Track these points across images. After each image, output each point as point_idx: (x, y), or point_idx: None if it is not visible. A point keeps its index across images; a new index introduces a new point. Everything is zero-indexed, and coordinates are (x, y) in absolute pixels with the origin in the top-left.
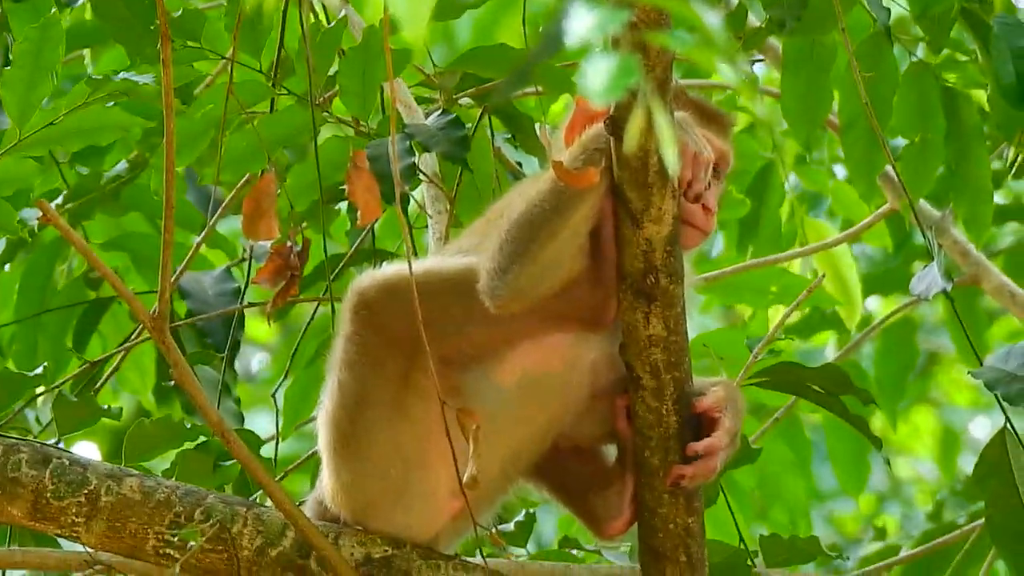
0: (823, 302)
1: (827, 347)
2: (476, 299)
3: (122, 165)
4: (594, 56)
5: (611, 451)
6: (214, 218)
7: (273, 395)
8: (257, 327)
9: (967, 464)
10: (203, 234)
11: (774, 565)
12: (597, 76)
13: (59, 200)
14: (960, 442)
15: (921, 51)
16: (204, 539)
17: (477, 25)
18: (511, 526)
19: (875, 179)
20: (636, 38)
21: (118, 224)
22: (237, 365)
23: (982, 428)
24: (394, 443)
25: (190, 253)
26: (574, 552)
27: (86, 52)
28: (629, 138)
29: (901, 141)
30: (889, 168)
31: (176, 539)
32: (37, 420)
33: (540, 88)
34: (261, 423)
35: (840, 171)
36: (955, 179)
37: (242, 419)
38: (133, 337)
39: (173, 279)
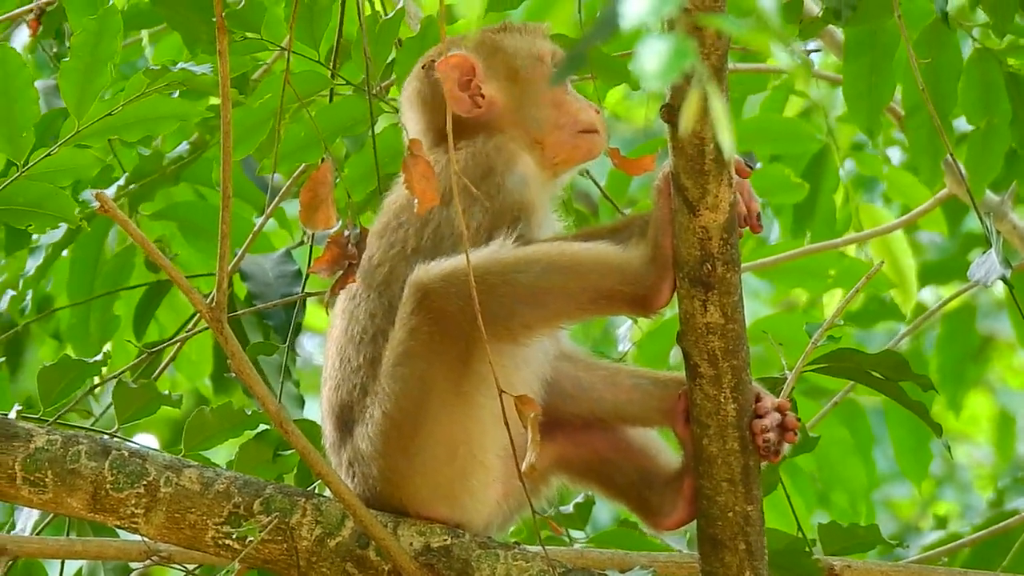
0: (880, 286)
1: (887, 334)
2: (523, 284)
3: (183, 146)
4: (649, 39)
5: (663, 447)
6: (272, 206)
7: None
8: (313, 315)
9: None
10: (260, 223)
11: (833, 553)
12: (652, 58)
13: (121, 182)
14: (1015, 427)
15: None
16: (264, 532)
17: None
18: (570, 508)
19: (939, 164)
20: (691, 22)
21: (166, 194)
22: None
23: None
24: (454, 431)
25: (248, 239)
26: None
27: (144, 34)
28: (685, 121)
29: (964, 124)
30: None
31: (235, 536)
32: (95, 398)
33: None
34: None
35: (895, 156)
36: (1021, 163)
37: (303, 402)
38: (190, 327)
39: (232, 264)
